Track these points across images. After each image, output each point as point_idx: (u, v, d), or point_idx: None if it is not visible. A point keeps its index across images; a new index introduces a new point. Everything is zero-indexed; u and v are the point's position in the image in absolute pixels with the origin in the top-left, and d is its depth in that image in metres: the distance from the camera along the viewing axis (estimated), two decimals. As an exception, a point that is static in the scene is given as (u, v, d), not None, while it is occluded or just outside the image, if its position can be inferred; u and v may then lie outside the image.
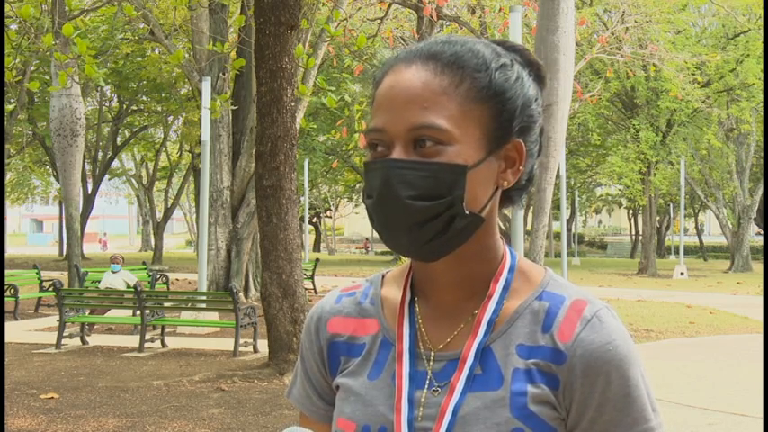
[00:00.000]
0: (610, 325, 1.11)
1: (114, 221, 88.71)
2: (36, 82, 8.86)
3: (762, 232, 41.12)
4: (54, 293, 11.69)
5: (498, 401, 1.09)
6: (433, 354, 1.15)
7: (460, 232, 1.09)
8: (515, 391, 1.09)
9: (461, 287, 1.16)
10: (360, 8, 18.99)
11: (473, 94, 1.09)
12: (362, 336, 1.21)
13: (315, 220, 53.62)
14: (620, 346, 1.09)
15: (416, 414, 1.12)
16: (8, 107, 16.51)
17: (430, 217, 1.06)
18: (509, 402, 1.09)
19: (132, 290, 11.57)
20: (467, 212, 1.08)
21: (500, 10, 18.57)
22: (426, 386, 1.13)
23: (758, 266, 32.95)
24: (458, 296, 1.16)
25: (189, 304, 11.94)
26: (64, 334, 11.37)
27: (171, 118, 34.40)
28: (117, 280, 12.96)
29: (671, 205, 44.22)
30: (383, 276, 1.27)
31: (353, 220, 67.38)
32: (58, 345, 11.26)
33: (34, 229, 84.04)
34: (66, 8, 12.30)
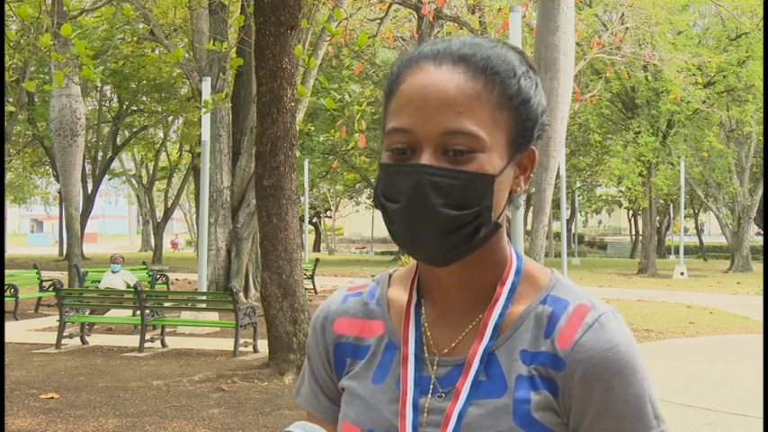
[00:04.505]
0: (612, 330, 1.08)
1: (114, 221, 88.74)
2: (33, 82, 8.84)
3: (762, 232, 41.11)
4: (54, 293, 11.69)
5: (502, 409, 1.08)
6: (437, 358, 1.14)
7: (483, 240, 1.08)
8: (518, 399, 1.08)
9: (468, 290, 1.14)
10: (360, 8, 18.99)
11: (504, 101, 1.07)
12: (368, 337, 1.20)
13: (315, 220, 53.60)
14: (621, 353, 1.07)
15: (421, 420, 1.11)
16: (8, 108, 16.50)
17: (459, 226, 1.04)
18: (512, 410, 1.08)
19: (132, 290, 11.57)
20: (492, 222, 1.07)
21: (499, 10, 18.56)
22: (430, 391, 1.12)
23: (758, 266, 32.92)
24: (464, 299, 1.14)
25: (189, 304, 11.93)
26: (64, 334, 11.37)
27: (171, 118, 34.40)
28: (117, 280, 12.95)
29: (671, 205, 44.21)
30: (390, 276, 1.25)
31: (353, 220, 67.33)
32: (58, 345, 11.25)
33: (34, 230, 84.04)
34: (66, 8, 12.30)
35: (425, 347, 1.15)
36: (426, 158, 1.04)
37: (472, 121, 1.04)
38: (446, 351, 1.14)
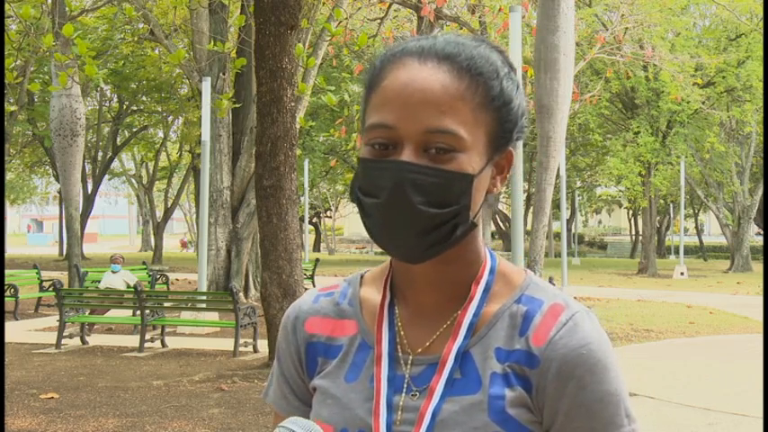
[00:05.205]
0: (585, 329, 1.09)
1: (114, 221, 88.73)
2: (36, 83, 8.85)
3: (762, 232, 41.11)
4: (54, 293, 11.70)
5: (476, 405, 1.08)
6: (411, 357, 1.14)
7: (459, 239, 1.08)
8: (493, 395, 1.08)
9: (442, 289, 1.14)
10: (360, 8, 19.01)
11: (486, 102, 1.07)
12: (340, 337, 1.20)
13: (315, 220, 53.62)
14: (594, 351, 1.07)
15: (395, 418, 1.11)
16: (9, 108, 16.54)
17: (437, 224, 1.05)
18: (487, 406, 1.08)
19: (132, 290, 11.58)
20: (469, 221, 1.07)
21: (500, 10, 18.58)
22: (404, 390, 1.12)
23: (758, 266, 32.92)
24: (438, 299, 1.15)
25: (189, 304, 11.94)
26: (64, 334, 11.37)
27: (171, 118, 34.41)
28: (117, 280, 12.96)
29: (671, 205, 44.21)
30: (362, 276, 1.26)
31: (353, 220, 67.36)
32: (58, 345, 11.26)
33: (34, 230, 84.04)
34: (67, 9, 12.31)
35: (399, 347, 1.15)
36: (407, 155, 1.04)
37: (455, 121, 1.05)
38: (420, 350, 1.14)
